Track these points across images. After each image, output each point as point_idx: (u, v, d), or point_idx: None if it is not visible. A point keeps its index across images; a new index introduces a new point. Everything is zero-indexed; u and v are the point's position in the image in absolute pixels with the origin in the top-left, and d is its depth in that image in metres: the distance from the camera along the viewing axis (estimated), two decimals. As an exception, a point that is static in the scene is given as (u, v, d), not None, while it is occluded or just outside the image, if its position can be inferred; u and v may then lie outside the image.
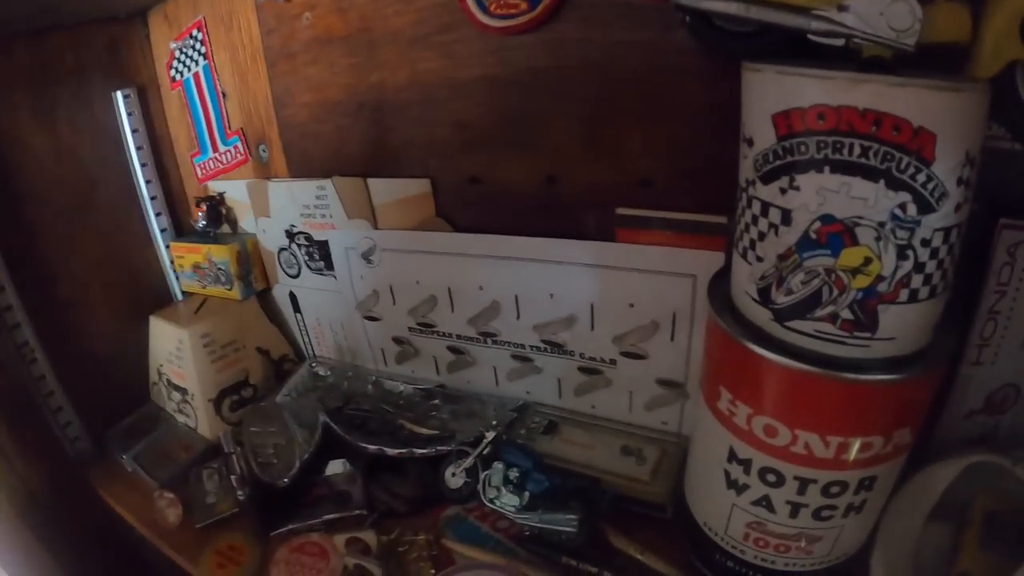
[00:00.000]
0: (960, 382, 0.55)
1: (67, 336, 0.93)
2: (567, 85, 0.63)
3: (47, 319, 0.91)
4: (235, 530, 0.72)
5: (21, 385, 0.88)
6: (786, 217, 0.40)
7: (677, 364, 0.69)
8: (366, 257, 0.83)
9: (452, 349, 0.85)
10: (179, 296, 1.06)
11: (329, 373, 0.94)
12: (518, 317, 0.76)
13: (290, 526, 0.71)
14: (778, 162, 0.40)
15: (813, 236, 0.39)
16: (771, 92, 0.40)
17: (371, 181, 0.79)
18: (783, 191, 0.40)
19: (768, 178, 0.41)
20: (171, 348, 0.91)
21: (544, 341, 0.76)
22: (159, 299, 1.04)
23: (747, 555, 0.53)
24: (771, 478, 0.48)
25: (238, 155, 0.93)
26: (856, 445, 0.44)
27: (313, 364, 0.95)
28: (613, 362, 0.73)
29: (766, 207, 0.42)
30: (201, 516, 0.74)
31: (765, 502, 0.49)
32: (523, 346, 0.78)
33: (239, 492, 0.69)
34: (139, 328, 0.97)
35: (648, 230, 0.64)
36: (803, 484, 0.47)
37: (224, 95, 0.90)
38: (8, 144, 0.86)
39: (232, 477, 0.69)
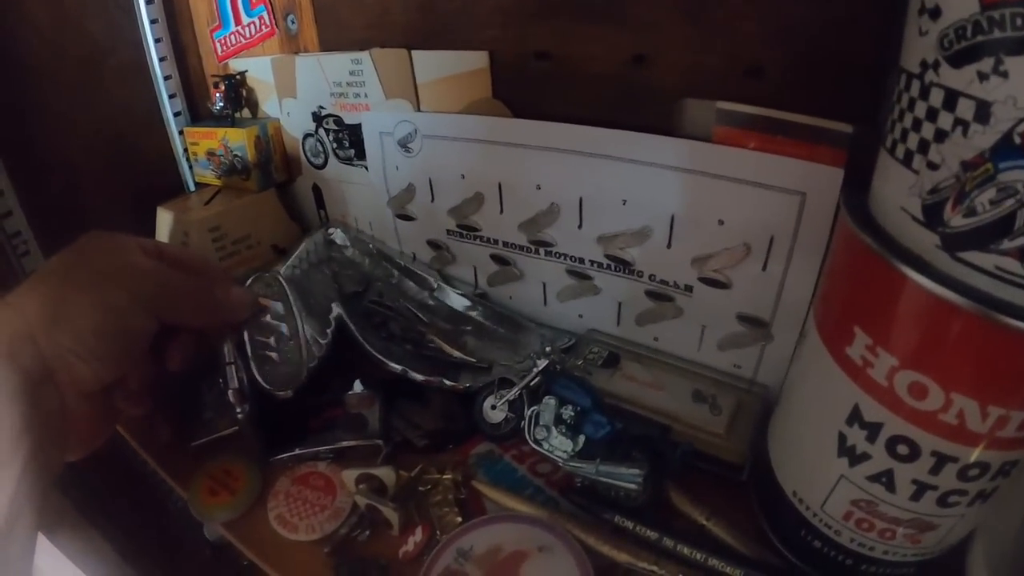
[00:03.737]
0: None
1: (65, 227, 0.87)
2: (668, -58, 0.53)
3: (43, 208, 0.87)
4: (233, 452, 0.66)
5: (13, 281, 0.84)
6: (983, 112, 0.31)
7: (765, 299, 0.61)
8: (404, 144, 0.75)
9: (496, 258, 0.78)
10: (191, 187, 1.01)
11: (348, 245, 0.87)
12: (580, 225, 0.68)
13: (295, 452, 0.65)
14: (980, 38, 0.31)
15: (1017, 141, 0.30)
16: None
17: (416, 53, 0.70)
18: (983, 77, 0.31)
19: (960, 59, 0.32)
20: (177, 242, 0.85)
21: (608, 256, 0.68)
22: (170, 190, 0.99)
23: (842, 537, 0.47)
24: (903, 450, 0.40)
25: (263, 27, 0.85)
26: (1017, 420, 0.36)
27: (330, 231, 0.87)
28: (688, 289, 0.65)
29: (954, 97, 0.32)
30: (196, 433, 0.68)
31: (885, 478, 0.42)
32: (582, 260, 0.70)
33: (237, 410, 0.63)
34: (146, 220, 0.91)
35: (753, 131, 0.55)
36: (940, 461, 0.39)
37: (250, -43, 0.82)
38: (3, 10, 0.79)
39: (230, 392, 0.62)
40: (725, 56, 0.55)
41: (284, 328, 0.68)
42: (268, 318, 0.69)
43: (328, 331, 0.67)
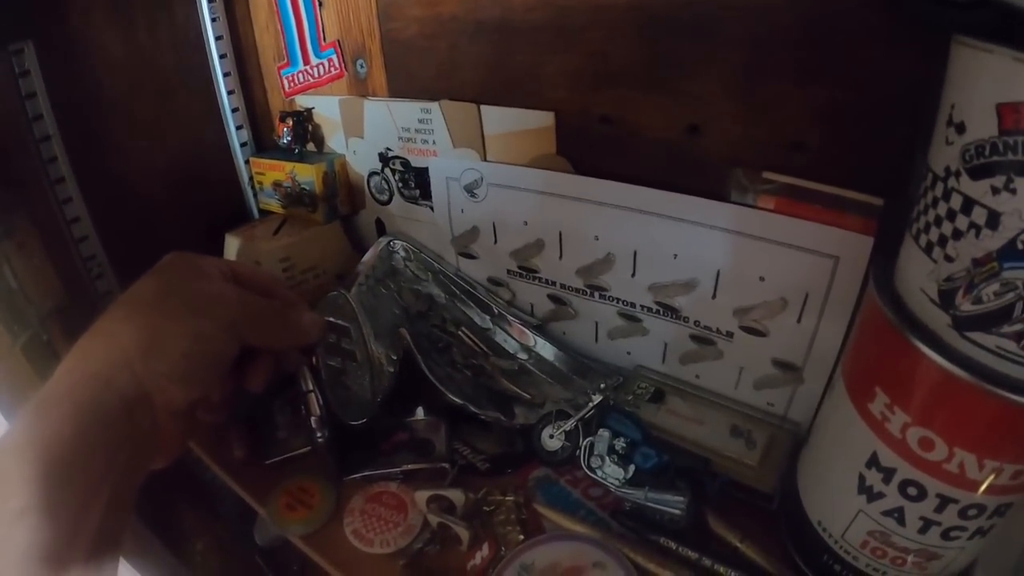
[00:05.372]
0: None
1: (137, 251, 0.93)
2: (727, 27, 0.60)
3: (117, 233, 0.92)
4: (306, 470, 0.73)
5: (88, 302, 0.90)
6: (993, 220, 0.38)
7: (799, 347, 0.68)
8: (470, 190, 0.82)
9: (553, 298, 0.84)
10: (256, 214, 1.07)
11: (410, 257, 0.93)
12: (633, 274, 0.75)
13: (367, 472, 0.72)
14: (996, 158, 0.37)
15: (1020, 247, 0.37)
16: (1001, 78, 0.37)
17: (485, 108, 0.77)
18: (995, 191, 0.38)
19: (979, 173, 0.39)
20: (247, 269, 0.91)
21: (658, 303, 0.75)
22: (235, 216, 1.05)
23: (859, 562, 0.54)
24: (912, 491, 0.47)
25: (332, 69, 0.92)
26: (1010, 471, 0.43)
27: (392, 243, 0.93)
28: (730, 335, 0.72)
29: (970, 204, 0.39)
30: (271, 452, 0.75)
31: (897, 514, 0.49)
32: (633, 305, 0.77)
33: (318, 435, 0.70)
34: (213, 246, 0.97)
35: (795, 200, 0.62)
36: (943, 502, 0.46)
37: (320, 4, 0.88)
38: (82, 47, 0.86)
39: (312, 419, 0.69)
40: (771, 130, 0.62)
41: (355, 352, 0.74)
42: (339, 341, 0.75)
43: (396, 359, 0.73)
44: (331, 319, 0.76)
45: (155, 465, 0.54)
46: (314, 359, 0.75)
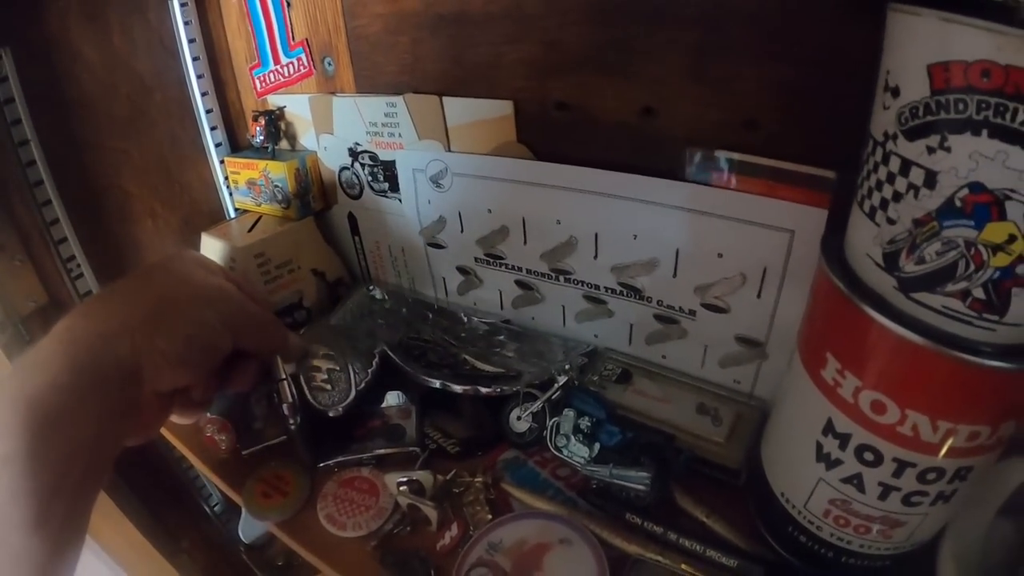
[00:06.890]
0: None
1: (115, 252, 0.94)
2: (679, 9, 0.59)
3: (95, 234, 0.91)
4: (281, 459, 0.73)
5: (68, 302, 0.90)
6: (930, 179, 0.37)
7: (760, 322, 0.67)
8: (435, 181, 0.81)
9: (520, 284, 0.84)
10: (232, 214, 1.06)
11: (387, 298, 0.94)
12: (596, 256, 0.74)
13: (339, 458, 0.71)
14: (929, 118, 0.37)
15: (958, 204, 0.37)
16: (930, 40, 0.36)
17: (447, 100, 0.76)
18: (931, 150, 0.37)
19: (914, 134, 0.38)
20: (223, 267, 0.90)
21: (621, 284, 0.74)
22: (211, 216, 1.05)
23: (823, 532, 0.53)
24: (868, 457, 0.46)
25: (301, 68, 0.91)
26: (964, 432, 0.42)
27: (370, 287, 0.95)
28: (692, 313, 0.71)
29: (907, 165, 0.39)
30: (247, 442, 0.75)
31: (856, 481, 0.48)
32: (597, 287, 0.77)
33: (290, 421, 0.69)
34: (190, 245, 0.96)
35: (748, 176, 0.61)
36: (901, 467, 0.45)
37: (288, 4, 0.87)
38: (57, 51, 0.85)
39: (284, 405, 0.68)
40: (725, 109, 0.61)
41: (335, 366, 0.74)
42: (319, 362, 0.75)
43: (373, 361, 0.74)
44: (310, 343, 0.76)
45: (129, 442, 0.54)
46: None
